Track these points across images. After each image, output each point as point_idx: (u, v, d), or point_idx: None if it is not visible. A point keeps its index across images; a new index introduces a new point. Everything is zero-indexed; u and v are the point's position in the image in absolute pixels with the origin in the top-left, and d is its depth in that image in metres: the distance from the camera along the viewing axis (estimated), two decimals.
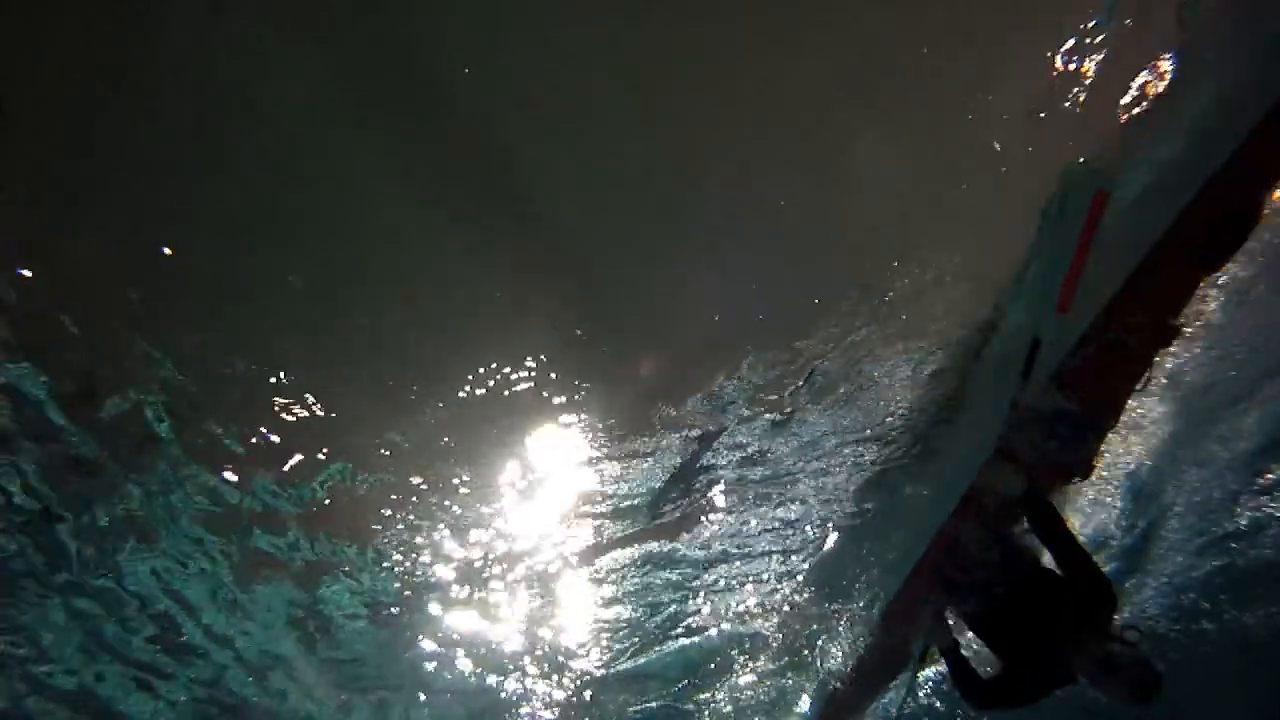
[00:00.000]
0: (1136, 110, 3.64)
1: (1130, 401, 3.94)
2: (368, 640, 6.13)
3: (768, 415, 4.94)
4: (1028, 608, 3.58)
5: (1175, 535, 7.61)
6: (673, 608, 6.62)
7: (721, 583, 6.42)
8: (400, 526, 5.13)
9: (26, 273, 3.51)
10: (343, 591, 5.58)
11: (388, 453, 4.63)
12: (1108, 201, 3.08)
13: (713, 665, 7.45)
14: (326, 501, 4.84)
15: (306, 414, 4.34)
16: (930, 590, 4.35)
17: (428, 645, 6.35)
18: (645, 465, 5.18)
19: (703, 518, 5.69)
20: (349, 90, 3.29)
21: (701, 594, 6.52)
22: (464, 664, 6.62)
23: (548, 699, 7.38)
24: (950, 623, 4.23)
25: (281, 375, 4.14)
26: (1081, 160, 3.57)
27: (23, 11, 2.92)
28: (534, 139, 3.58)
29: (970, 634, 4.11)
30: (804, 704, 8.03)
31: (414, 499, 4.95)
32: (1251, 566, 8.17)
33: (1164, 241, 3.39)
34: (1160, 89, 3.53)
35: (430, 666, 6.58)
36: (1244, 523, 7.57)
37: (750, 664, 7.52)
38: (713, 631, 7.00)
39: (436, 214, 3.74)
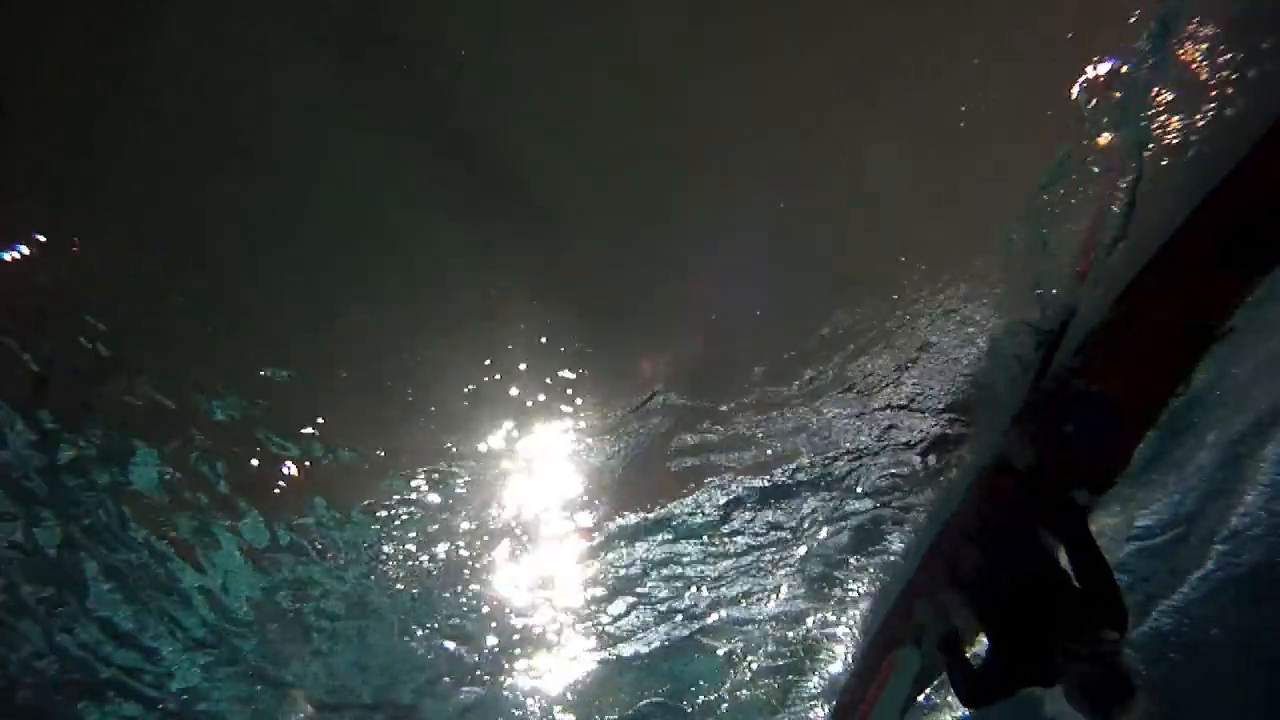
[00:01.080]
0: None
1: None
2: (359, 636, 6.13)
3: (775, 406, 4.93)
4: (1033, 606, 3.53)
5: (1180, 536, 7.59)
6: (671, 599, 6.61)
7: (722, 572, 6.41)
8: (397, 522, 5.14)
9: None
10: (334, 587, 5.58)
11: (383, 453, 4.64)
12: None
13: (711, 660, 7.43)
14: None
15: (304, 414, 4.35)
16: (941, 575, 4.29)
17: (422, 640, 6.34)
18: (645, 459, 5.17)
19: (705, 508, 5.68)
20: (349, 90, 3.29)
21: (701, 585, 6.51)
22: (458, 659, 6.62)
23: (544, 694, 7.36)
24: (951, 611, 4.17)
25: (278, 374, 4.15)
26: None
27: (23, 11, 2.92)
28: (534, 139, 3.58)
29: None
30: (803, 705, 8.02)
31: (413, 495, 4.95)
32: (1255, 567, 8.15)
33: (1176, 238, 3.31)
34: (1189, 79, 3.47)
35: (424, 662, 6.57)
36: (1248, 524, 7.55)
37: (751, 658, 7.50)
38: (713, 623, 6.98)
39: (436, 214, 3.74)
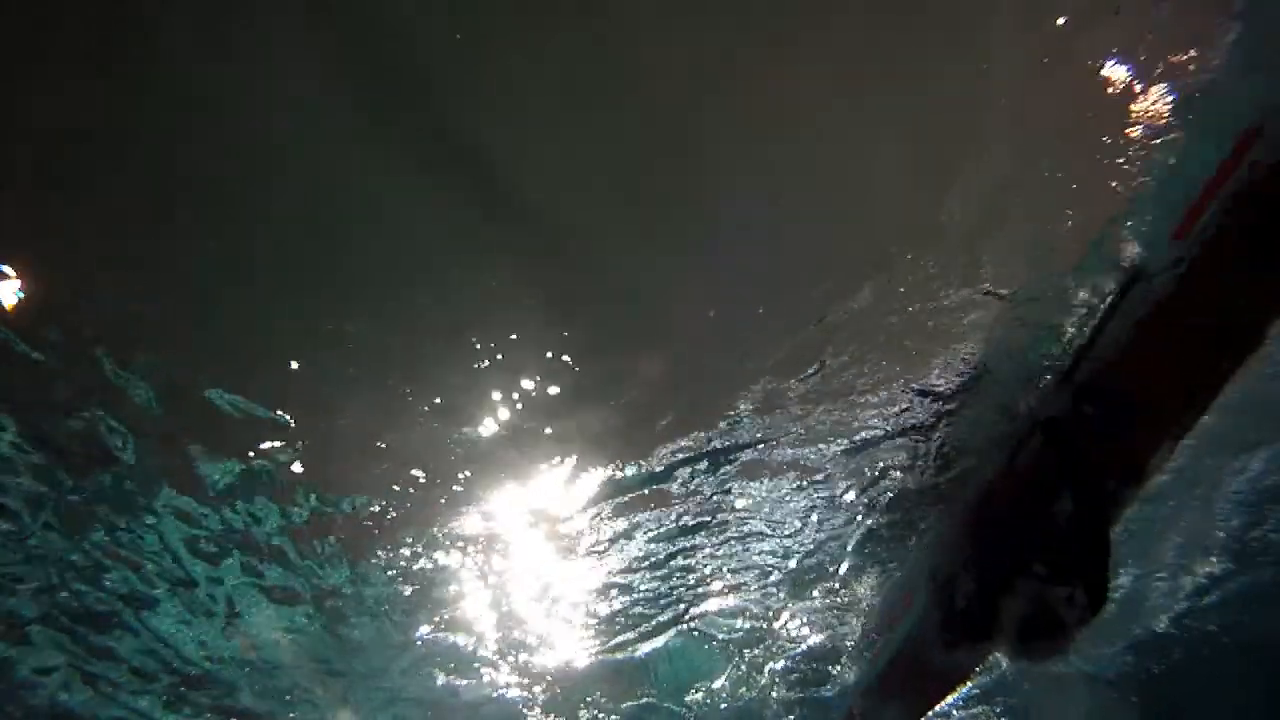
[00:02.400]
0: None
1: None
2: (353, 636, 6.16)
3: (781, 396, 4.92)
4: (1028, 572, 3.51)
5: (1181, 537, 7.57)
6: (670, 596, 6.61)
7: (724, 568, 6.40)
8: (391, 517, 5.17)
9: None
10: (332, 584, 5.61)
11: (384, 445, 4.68)
12: (1258, 137, 2.82)
13: (711, 657, 7.42)
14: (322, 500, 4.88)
15: (304, 416, 4.38)
16: (957, 539, 4.31)
17: (417, 640, 6.37)
18: (644, 450, 5.17)
19: (706, 499, 5.67)
20: (348, 94, 3.33)
21: (701, 580, 6.52)
22: (455, 657, 6.64)
23: (535, 693, 7.36)
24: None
25: (276, 376, 4.19)
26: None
27: (25, 17, 2.95)
28: (535, 141, 3.61)
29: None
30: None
31: (411, 490, 4.98)
32: (1259, 568, 8.13)
33: (1212, 236, 3.10)
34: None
35: (419, 658, 6.60)
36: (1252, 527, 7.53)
37: (752, 656, 7.47)
38: (711, 619, 6.97)
39: (437, 212, 3.77)
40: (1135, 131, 3.63)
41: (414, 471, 4.87)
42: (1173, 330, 3.36)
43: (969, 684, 7.91)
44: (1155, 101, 3.52)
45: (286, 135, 3.39)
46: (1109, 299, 3.54)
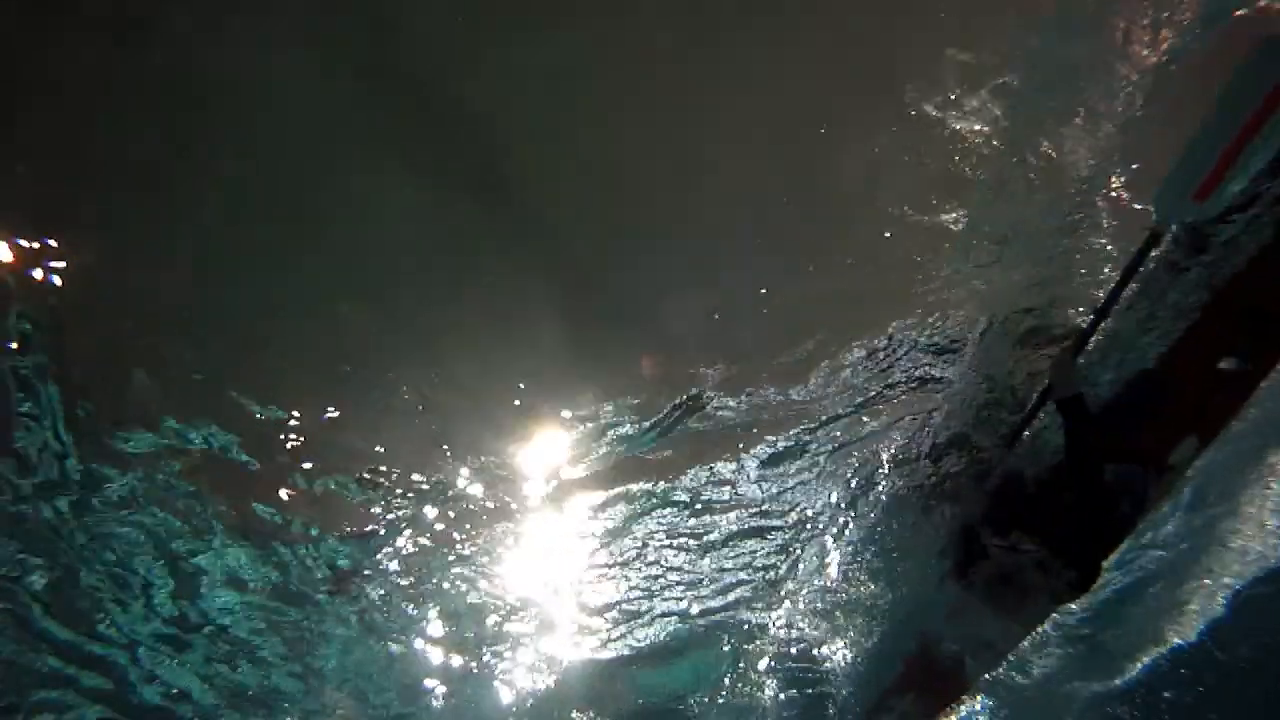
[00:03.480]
0: None
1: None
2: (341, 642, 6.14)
3: (783, 386, 4.92)
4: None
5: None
6: (673, 595, 6.57)
7: (721, 559, 6.37)
8: (392, 517, 5.16)
9: None
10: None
11: (382, 449, 4.68)
12: None
13: (709, 654, 7.38)
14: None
15: (303, 415, 4.39)
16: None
17: (404, 642, 6.36)
18: (639, 439, 5.17)
19: (709, 491, 5.65)
20: (350, 95, 3.33)
21: (707, 579, 6.48)
22: (455, 657, 6.62)
23: (538, 693, 7.33)
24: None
25: (274, 373, 4.18)
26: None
27: (35, 26, 2.97)
28: (536, 143, 3.63)
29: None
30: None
31: (411, 492, 4.98)
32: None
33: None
34: None
35: (418, 658, 6.58)
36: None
37: (755, 658, 7.42)
38: (718, 618, 6.93)
39: (436, 211, 3.76)
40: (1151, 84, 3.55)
41: (415, 476, 4.87)
42: (1199, 314, 3.29)
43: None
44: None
45: (281, 127, 3.40)
46: (1122, 273, 3.46)
